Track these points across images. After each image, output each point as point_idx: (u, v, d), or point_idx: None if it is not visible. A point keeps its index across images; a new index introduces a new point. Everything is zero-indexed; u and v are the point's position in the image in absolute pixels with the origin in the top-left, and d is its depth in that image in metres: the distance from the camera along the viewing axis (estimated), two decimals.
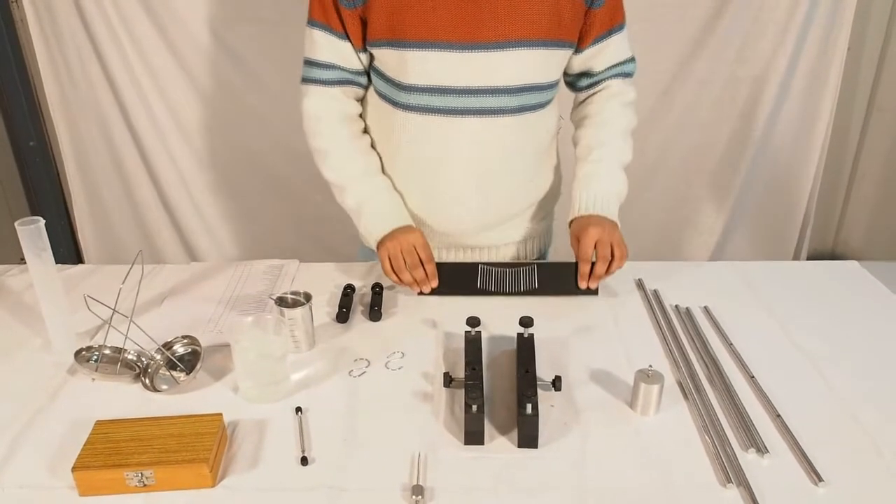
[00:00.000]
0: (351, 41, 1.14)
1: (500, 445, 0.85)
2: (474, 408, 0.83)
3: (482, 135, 1.15)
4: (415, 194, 1.23)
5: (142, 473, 0.77)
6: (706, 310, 1.14)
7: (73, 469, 0.77)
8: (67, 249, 2.36)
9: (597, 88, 1.26)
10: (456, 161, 1.17)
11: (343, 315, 1.11)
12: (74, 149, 2.19)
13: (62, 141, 2.17)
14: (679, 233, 2.34)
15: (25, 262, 0.99)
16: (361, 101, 1.25)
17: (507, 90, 1.12)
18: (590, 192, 1.19)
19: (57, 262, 1.01)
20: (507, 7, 1.07)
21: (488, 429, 0.86)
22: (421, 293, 1.17)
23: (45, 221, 0.97)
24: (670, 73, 2.09)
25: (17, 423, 0.89)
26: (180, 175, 2.23)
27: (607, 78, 1.24)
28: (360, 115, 1.25)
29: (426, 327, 1.10)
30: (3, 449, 0.84)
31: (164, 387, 0.96)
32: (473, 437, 0.84)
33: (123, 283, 1.01)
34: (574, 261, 1.16)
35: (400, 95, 1.15)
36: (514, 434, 0.85)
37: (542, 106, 1.18)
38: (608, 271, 1.13)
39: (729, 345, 1.04)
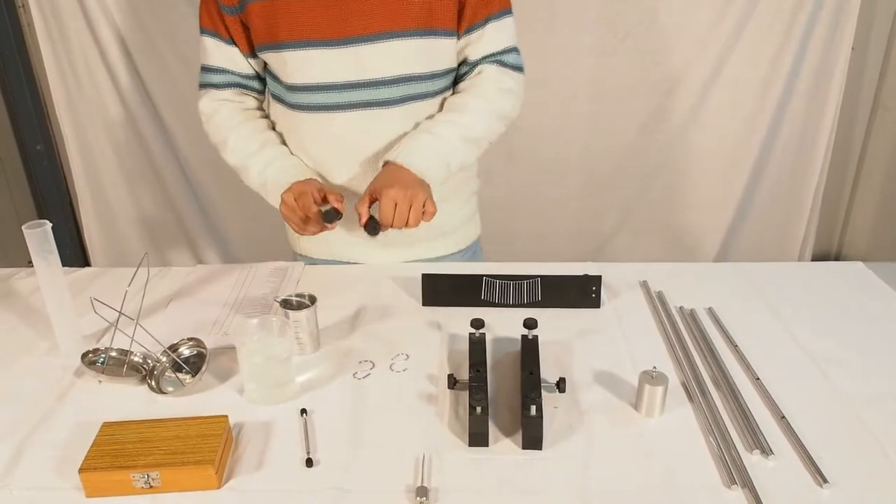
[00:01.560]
0: (238, 46, 1.18)
1: (504, 447, 0.85)
2: (478, 409, 0.83)
3: (369, 128, 1.17)
4: None
5: (148, 475, 0.77)
6: (711, 311, 1.14)
7: (80, 470, 0.78)
8: (74, 252, 2.38)
9: (472, 74, 1.22)
10: (349, 156, 1.20)
11: (329, 215, 1.10)
12: (81, 152, 2.21)
13: (69, 144, 2.19)
14: (683, 234, 2.34)
15: (32, 266, 0.99)
16: (262, 106, 1.29)
17: (385, 82, 1.14)
18: (411, 144, 1.14)
19: (63, 265, 1.02)
20: (374, 0, 1.09)
21: (492, 430, 0.86)
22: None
23: (51, 225, 0.98)
24: (674, 73, 2.09)
25: (24, 425, 0.89)
26: (185, 177, 2.24)
27: (482, 63, 1.20)
28: (258, 111, 1.28)
29: (431, 329, 1.10)
30: (11, 451, 0.85)
31: (170, 389, 0.97)
32: (478, 438, 0.84)
33: (129, 285, 1.02)
34: (578, 274, 1.15)
35: (288, 96, 1.18)
36: (519, 436, 0.85)
37: (431, 96, 1.19)
38: (406, 226, 1.09)
39: (734, 346, 1.04)
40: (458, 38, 1.18)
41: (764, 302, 1.16)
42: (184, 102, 2.12)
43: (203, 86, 1.24)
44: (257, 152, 1.21)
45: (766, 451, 0.82)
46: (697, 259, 2.32)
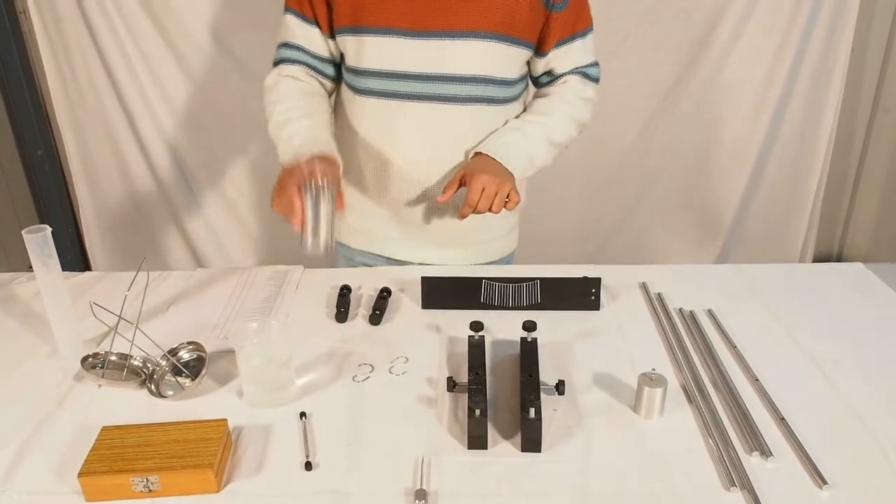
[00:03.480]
0: (320, 27, 1.20)
1: (503, 450, 0.85)
2: (477, 412, 0.83)
3: (430, 121, 1.18)
4: (370, 181, 1.27)
5: (147, 479, 0.77)
6: (710, 313, 1.14)
7: (80, 475, 0.78)
8: (74, 257, 2.38)
9: (556, 83, 1.28)
10: (404, 145, 1.21)
11: (342, 315, 1.11)
12: (81, 157, 2.21)
13: (69, 149, 2.19)
14: (683, 235, 2.34)
15: (33, 270, 0.99)
16: (327, 93, 1.28)
17: (456, 78, 1.16)
18: (502, 139, 1.19)
19: (64, 270, 1.02)
20: None
21: (492, 433, 0.86)
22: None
23: (52, 229, 0.98)
24: (674, 75, 2.10)
25: (24, 429, 0.90)
26: (186, 182, 2.25)
27: (567, 74, 1.27)
28: (323, 98, 1.25)
29: (430, 332, 1.10)
30: (11, 455, 0.85)
31: (170, 392, 0.97)
32: (477, 441, 0.84)
33: (129, 289, 1.02)
34: (577, 276, 1.15)
35: (357, 81, 1.20)
36: (518, 438, 0.85)
37: (500, 102, 1.21)
38: (490, 210, 1.12)
39: (733, 348, 1.04)
40: (544, 53, 1.22)
41: (764, 303, 1.16)
42: (185, 108, 2.13)
43: (276, 62, 1.25)
44: (288, 123, 1.15)
45: (765, 452, 0.82)
46: (697, 260, 2.32)
